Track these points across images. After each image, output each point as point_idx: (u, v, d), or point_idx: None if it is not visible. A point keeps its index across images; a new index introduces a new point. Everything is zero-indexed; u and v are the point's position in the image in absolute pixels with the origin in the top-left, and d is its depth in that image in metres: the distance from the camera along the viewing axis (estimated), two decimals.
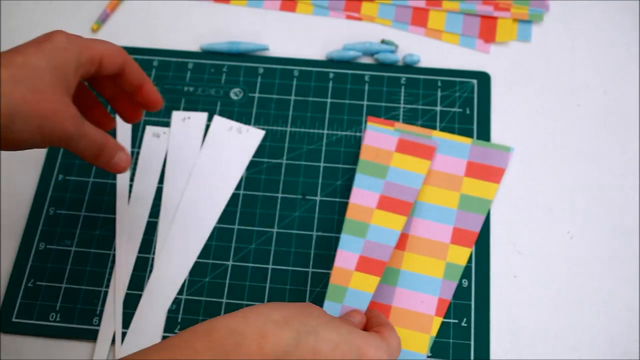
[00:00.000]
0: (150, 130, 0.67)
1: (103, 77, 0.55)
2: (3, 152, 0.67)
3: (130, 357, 0.44)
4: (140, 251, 0.63)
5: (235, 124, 0.67)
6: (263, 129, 0.68)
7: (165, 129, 0.68)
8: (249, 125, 0.67)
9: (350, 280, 0.59)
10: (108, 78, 0.56)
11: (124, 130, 0.67)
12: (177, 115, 0.68)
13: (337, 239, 0.62)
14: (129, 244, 0.63)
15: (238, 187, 0.65)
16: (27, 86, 0.47)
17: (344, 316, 0.55)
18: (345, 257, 0.60)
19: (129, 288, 0.61)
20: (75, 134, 0.50)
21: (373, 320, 0.55)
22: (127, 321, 0.60)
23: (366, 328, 0.55)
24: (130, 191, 0.65)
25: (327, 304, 0.57)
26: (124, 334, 0.59)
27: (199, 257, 0.62)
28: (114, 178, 0.66)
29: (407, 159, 0.64)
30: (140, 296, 0.61)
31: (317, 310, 0.49)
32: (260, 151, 0.67)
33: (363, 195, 0.62)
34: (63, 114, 0.49)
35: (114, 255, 0.62)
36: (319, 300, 0.60)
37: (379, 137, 0.65)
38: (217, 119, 0.67)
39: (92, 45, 0.52)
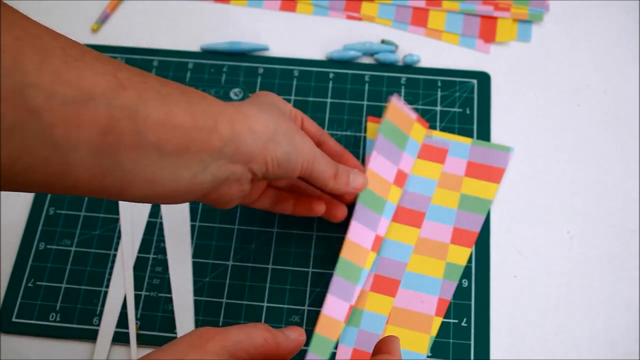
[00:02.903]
0: None
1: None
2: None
3: None
4: (139, 251, 0.63)
5: None
6: None
7: None
8: None
9: (367, 303, 0.59)
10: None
11: None
12: None
13: (338, 239, 0.62)
14: (133, 238, 0.63)
15: None
16: (275, 112, 0.51)
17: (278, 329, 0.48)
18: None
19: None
20: (318, 151, 0.53)
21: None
22: (126, 322, 0.60)
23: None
24: None
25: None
26: (124, 335, 0.59)
27: (199, 257, 0.62)
28: None
29: (420, 163, 0.64)
30: (141, 296, 0.61)
31: (207, 344, 0.42)
32: None
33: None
34: (303, 133, 0.52)
35: (114, 255, 0.62)
36: (319, 300, 0.60)
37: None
38: None
39: (293, 108, 0.57)
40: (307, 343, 0.56)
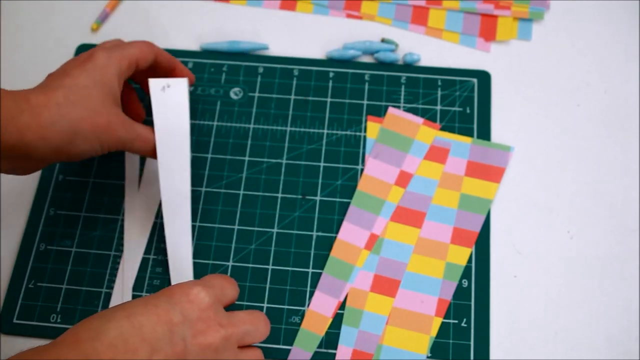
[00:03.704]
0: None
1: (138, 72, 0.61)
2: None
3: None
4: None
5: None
6: (263, 128, 0.67)
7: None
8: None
9: (366, 303, 0.59)
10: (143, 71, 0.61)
11: None
12: (155, 84, 0.61)
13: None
14: (139, 238, 0.63)
15: (238, 187, 0.65)
16: (82, 106, 0.54)
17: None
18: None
19: (133, 289, 0.61)
20: (129, 138, 0.57)
21: None
22: None
23: None
24: (140, 175, 0.66)
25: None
26: None
27: (199, 258, 0.62)
28: (114, 178, 0.66)
29: (421, 163, 0.64)
30: (140, 296, 0.61)
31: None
32: (260, 151, 0.67)
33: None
34: (115, 124, 0.56)
35: (114, 256, 0.63)
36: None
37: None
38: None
39: (128, 53, 0.58)
40: (293, 338, 0.59)
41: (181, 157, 0.60)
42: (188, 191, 0.61)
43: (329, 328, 0.59)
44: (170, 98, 0.61)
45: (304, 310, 0.60)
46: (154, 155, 0.60)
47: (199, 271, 0.62)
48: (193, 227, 0.64)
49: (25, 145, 0.51)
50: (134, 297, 0.61)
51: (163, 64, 0.62)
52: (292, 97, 0.69)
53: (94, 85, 0.55)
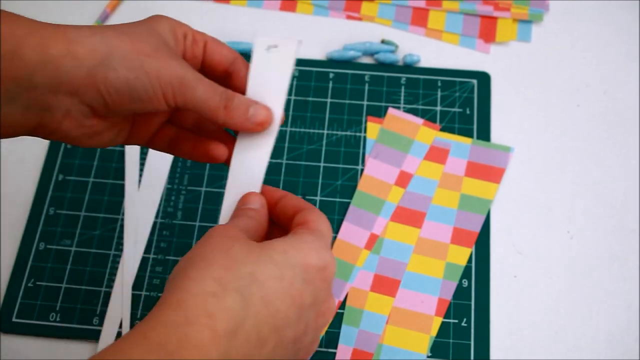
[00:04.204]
0: None
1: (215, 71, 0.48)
2: (3, 152, 0.67)
3: None
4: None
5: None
6: None
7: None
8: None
9: (366, 303, 0.59)
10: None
11: None
12: (260, 42, 0.49)
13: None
14: (139, 237, 0.63)
15: None
16: (119, 30, 0.44)
17: (241, 207, 0.46)
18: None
19: (133, 288, 0.61)
20: (190, 76, 0.44)
21: (287, 205, 0.47)
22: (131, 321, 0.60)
23: (281, 217, 0.47)
24: (140, 175, 0.66)
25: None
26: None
27: None
28: (114, 178, 0.66)
29: (421, 164, 0.65)
30: (141, 296, 0.61)
31: (235, 244, 0.41)
32: None
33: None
34: (165, 53, 0.44)
35: (114, 255, 0.62)
36: None
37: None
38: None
39: (195, 31, 0.48)
40: None
41: (265, 138, 0.48)
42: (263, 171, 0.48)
43: (329, 327, 0.59)
44: (273, 62, 0.48)
45: None
46: (224, 116, 0.45)
47: None
48: (193, 226, 0.64)
49: (50, 64, 0.41)
50: (133, 296, 0.61)
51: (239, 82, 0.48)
52: (292, 97, 0.69)
53: (141, 26, 0.45)
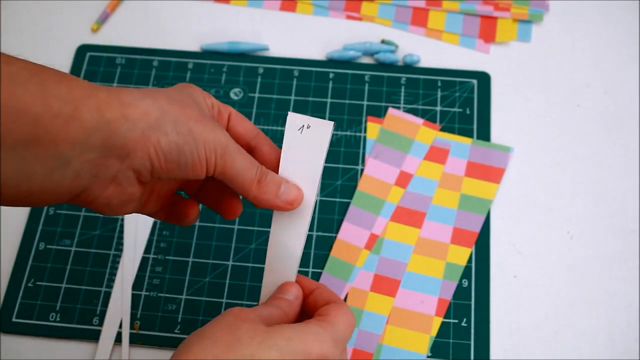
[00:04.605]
0: None
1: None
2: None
3: None
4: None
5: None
6: (263, 129, 0.67)
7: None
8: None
9: (366, 303, 0.59)
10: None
11: None
12: (293, 119, 0.48)
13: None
14: (139, 237, 0.63)
15: None
16: (169, 96, 0.43)
17: (275, 296, 0.47)
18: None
19: (133, 288, 0.61)
20: (233, 145, 0.44)
21: (318, 298, 0.47)
22: (130, 321, 0.60)
23: (312, 308, 0.48)
24: None
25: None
26: (130, 335, 0.59)
27: (199, 257, 0.62)
28: None
29: (421, 164, 0.65)
30: (141, 296, 0.61)
31: (244, 325, 0.42)
32: None
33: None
34: (209, 120, 0.44)
35: (114, 255, 0.62)
36: None
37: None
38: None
39: (220, 102, 0.49)
40: None
41: (300, 219, 0.48)
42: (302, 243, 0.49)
43: None
44: (307, 142, 0.48)
45: None
46: (257, 190, 0.45)
47: (199, 270, 0.62)
48: (193, 226, 0.64)
49: (106, 126, 0.40)
50: (133, 296, 0.61)
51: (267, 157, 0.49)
52: (292, 97, 0.69)
53: (180, 92, 0.45)
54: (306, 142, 0.48)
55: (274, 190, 0.46)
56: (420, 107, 0.68)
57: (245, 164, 0.44)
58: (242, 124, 0.49)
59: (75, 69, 0.71)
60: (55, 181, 0.39)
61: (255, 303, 0.60)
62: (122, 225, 0.64)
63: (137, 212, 0.47)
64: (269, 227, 0.63)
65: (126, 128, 0.40)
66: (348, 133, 0.67)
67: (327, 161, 0.65)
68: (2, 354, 0.59)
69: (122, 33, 0.73)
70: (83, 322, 0.60)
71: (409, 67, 0.70)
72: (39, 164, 0.38)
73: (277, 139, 0.67)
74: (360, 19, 0.73)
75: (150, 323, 0.60)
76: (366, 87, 0.69)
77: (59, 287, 0.61)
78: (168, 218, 0.50)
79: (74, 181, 0.40)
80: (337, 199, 0.64)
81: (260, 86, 0.70)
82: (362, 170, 0.65)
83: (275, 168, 0.48)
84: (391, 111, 0.67)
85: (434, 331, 0.59)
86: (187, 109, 0.43)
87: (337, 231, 0.63)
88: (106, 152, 0.40)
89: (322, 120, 0.48)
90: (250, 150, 0.48)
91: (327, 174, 0.65)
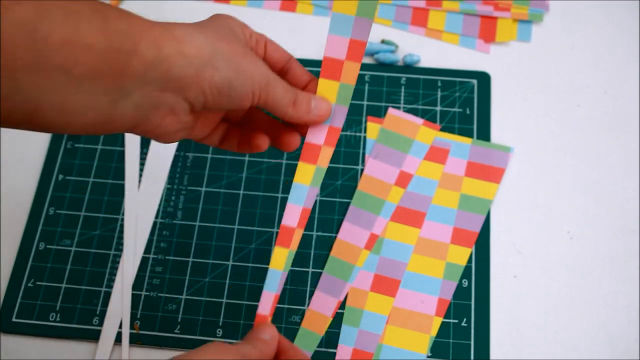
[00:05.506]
0: None
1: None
2: (3, 152, 0.67)
3: None
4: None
5: None
6: None
7: None
8: None
9: (366, 303, 0.59)
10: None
11: None
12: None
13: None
14: (139, 237, 0.63)
15: (238, 187, 0.65)
16: (215, 31, 0.46)
17: (248, 338, 0.48)
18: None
19: (133, 288, 0.61)
20: (272, 76, 0.47)
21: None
22: (129, 321, 0.60)
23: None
24: (140, 175, 0.66)
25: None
26: (131, 335, 0.59)
27: (199, 257, 0.62)
28: (114, 178, 0.66)
29: (421, 164, 0.65)
30: (141, 296, 0.61)
31: (224, 355, 0.44)
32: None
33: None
34: (252, 55, 0.47)
35: (114, 255, 0.63)
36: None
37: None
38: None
39: (256, 32, 0.51)
40: (294, 337, 0.59)
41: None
42: None
43: (329, 327, 0.59)
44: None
45: (304, 310, 0.60)
46: (293, 111, 0.49)
47: (199, 270, 0.62)
48: (193, 226, 0.64)
49: (164, 61, 0.42)
50: (133, 296, 0.61)
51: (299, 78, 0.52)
52: None
53: (222, 26, 0.48)
54: None
55: (306, 107, 0.49)
56: (420, 107, 0.68)
57: (283, 91, 0.48)
58: (277, 51, 0.52)
59: None
60: (119, 112, 0.42)
61: (254, 303, 0.60)
62: (122, 225, 0.64)
63: (187, 138, 0.50)
64: (269, 227, 0.63)
65: (182, 64, 0.42)
66: (348, 133, 0.67)
67: None
68: (2, 354, 0.59)
69: None
70: (83, 322, 0.60)
71: (409, 67, 0.70)
72: (104, 96, 0.40)
73: None
74: None
75: (150, 323, 0.60)
76: (366, 87, 0.69)
77: (59, 287, 0.61)
78: (241, 147, 0.53)
79: (135, 111, 0.43)
80: (337, 199, 0.64)
81: None
82: (362, 170, 0.65)
83: (305, 88, 0.51)
84: (391, 111, 0.67)
85: (434, 331, 0.59)
86: (233, 44, 0.46)
87: (337, 231, 0.63)
88: (164, 85, 0.43)
89: None
90: (284, 73, 0.52)
91: (327, 174, 0.65)
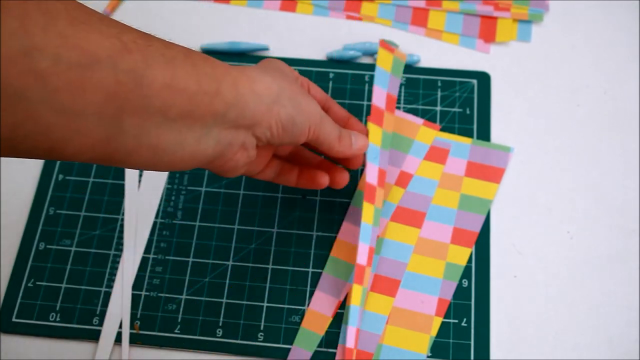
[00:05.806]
0: None
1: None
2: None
3: None
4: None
5: None
6: None
7: None
8: None
9: (366, 303, 0.59)
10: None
11: None
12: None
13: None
14: (139, 237, 0.63)
15: (238, 187, 0.65)
16: (278, 75, 0.50)
17: None
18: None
19: (133, 288, 0.61)
20: (323, 114, 0.52)
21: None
22: (129, 321, 0.60)
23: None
24: (140, 175, 0.66)
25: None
26: (131, 335, 0.59)
27: (199, 257, 0.62)
28: (114, 178, 0.66)
29: (421, 164, 0.65)
30: (141, 296, 0.61)
31: None
32: None
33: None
34: (307, 94, 0.52)
35: (114, 255, 0.63)
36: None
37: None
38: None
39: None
40: (294, 337, 0.59)
41: None
42: None
43: (329, 327, 0.59)
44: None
45: (304, 310, 0.60)
46: (338, 146, 0.55)
47: (199, 270, 0.62)
48: (193, 226, 0.64)
49: (240, 100, 0.46)
50: (133, 296, 0.61)
51: (337, 117, 0.59)
52: None
53: (278, 68, 0.53)
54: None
55: (349, 141, 0.55)
56: (420, 107, 0.68)
57: (330, 127, 0.53)
58: (318, 91, 0.58)
59: None
60: (201, 148, 0.45)
61: (259, 303, 0.60)
62: (122, 225, 0.64)
63: (245, 174, 0.54)
64: (269, 227, 0.63)
65: (255, 102, 0.46)
66: None
67: None
68: (2, 354, 0.59)
69: None
70: (83, 322, 0.60)
71: (408, 67, 0.70)
72: (190, 134, 0.44)
73: None
74: (360, 19, 0.73)
75: (150, 323, 0.60)
76: (366, 87, 0.69)
77: (59, 287, 0.61)
78: (300, 183, 0.59)
79: (215, 148, 0.46)
80: (337, 199, 0.64)
81: None
82: (362, 170, 0.65)
83: (342, 124, 0.58)
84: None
85: (434, 331, 0.59)
86: (292, 84, 0.50)
87: (337, 231, 0.63)
88: (239, 122, 0.46)
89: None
90: (325, 111, 0.58)
91: None
